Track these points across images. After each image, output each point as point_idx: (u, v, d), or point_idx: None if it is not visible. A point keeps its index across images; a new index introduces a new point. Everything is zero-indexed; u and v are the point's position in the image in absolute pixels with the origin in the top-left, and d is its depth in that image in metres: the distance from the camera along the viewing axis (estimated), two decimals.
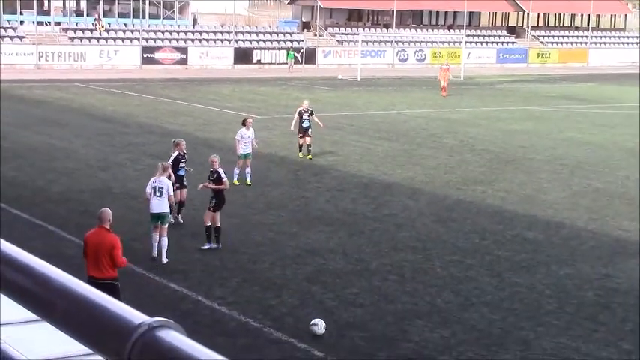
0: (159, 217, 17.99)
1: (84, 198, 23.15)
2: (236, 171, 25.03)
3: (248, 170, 25.17)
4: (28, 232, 19.33)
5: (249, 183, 25.02)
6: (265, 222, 21.44)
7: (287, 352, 13.71)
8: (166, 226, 18.06)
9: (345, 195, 24.57)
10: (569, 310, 15.91)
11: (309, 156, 29.25)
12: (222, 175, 18.90)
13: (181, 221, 20.72)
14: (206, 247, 18.75)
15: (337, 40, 74.79)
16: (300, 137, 29.35)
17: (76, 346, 1.63)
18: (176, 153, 21.00)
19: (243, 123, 25.68)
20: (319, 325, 13.74)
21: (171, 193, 18.30)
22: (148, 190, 18.02)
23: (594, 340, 14.54)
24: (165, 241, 17.87)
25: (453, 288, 16.94)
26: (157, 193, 17.88)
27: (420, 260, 18.67)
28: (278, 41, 71.70)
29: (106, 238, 13.60)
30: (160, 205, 17.92)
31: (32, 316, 1.71)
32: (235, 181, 24.80)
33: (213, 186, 18.90)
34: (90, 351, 1.58)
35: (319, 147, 31.57)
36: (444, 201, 24.23)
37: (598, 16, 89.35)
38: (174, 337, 1.43)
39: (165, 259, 17.78)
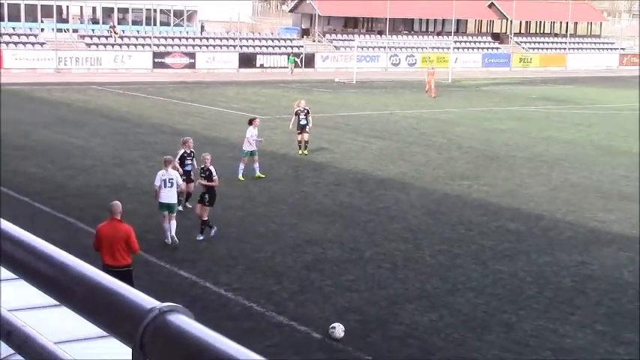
0: (168, 207, 18.18)
1: (100, 192, 23.14)
2: (241, 167, 25.09)
3: (257, 165, 25.32)
4: (49, 224, 19.34)
5: (261, 175, 25.28)
6: (267, 214, 21.45)
7: (288, 335, 13.74)
8: (174, 214, 18.24)
9: (342, 189, 24.58)
10: (547, 295, 15.94)
11: (306, 151, 29.44)
12: (214, 173, 18.86)
13: (189, 206, 20.82)
14: (200, 238, 18.80)
15: (334, 46, 74.73)
16: (299, 134, 29.59)
17: (92, 329, 1.65)
18: (182, 150, 21.16)
19: (251, 122, 25.66)
20: (337, 329, 13.46)
21: (180, 183, 18.50)
22: (157, 182, 18.11)
23: (571, 322, 14.57)
24: (174, 223, 18.19)
25: (441, 275, 16.97)
26: (168, 185, 18.04)
27: (411, 249, 18.70)
28: (279, 47, 71.66)
29: (120, 228, 13.69)
30: (169, 196, 18.11)
31: (53, 301, 1.73)
32: (240, 177, 24.84)
33: (205, 182, 18.87)
34: (105, 333, 1.60)
35: (317, 145, 31.58)
36: (432, 195, 24.24)
37: (576, 23, 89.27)
38: (184, 320, 1.45)
39: (175, 238, 18.06)
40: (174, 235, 18.12)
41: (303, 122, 29.32)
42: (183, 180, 19.93)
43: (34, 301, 1.97)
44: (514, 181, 26.42)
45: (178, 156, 20.94)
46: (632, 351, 13.44)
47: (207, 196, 18.76)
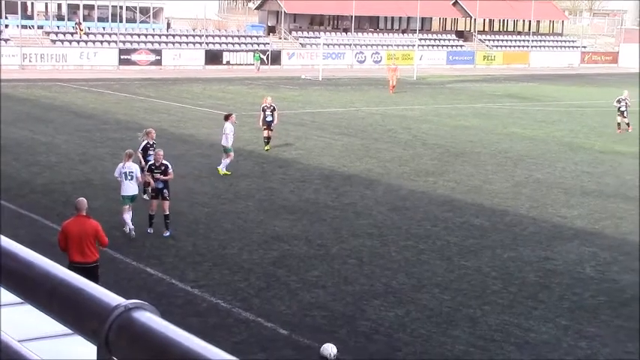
0: (131, 199, 18.61)
1: (66, 189, 22.96)
2: (226, 161, 25.50)
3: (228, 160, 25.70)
4: (14, 221, 19.14)
5: (227, 172, 25.49)
6: (234, 210, 21.40)
7: (255, 331, 13.72)
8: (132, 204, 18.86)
9: (308, 186, 24.58)
10: (512, 290, 16.04)
11: (268, 147, 29.59)
12: (169, 167, 19.02)
13: (146, 197, 20.82)
14: (150, 231, 18.97)
15: (300, 43, 74.67)
16: (264, 130, 29.65)
17: (58, 327, 1.63)
18: (145, 141, 21.49)
19: (227, 118, 25.73)
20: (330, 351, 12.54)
21: (139, 175, 18.67)
22: (117, 174, 18.58)
23: (535, 316, 14.67)
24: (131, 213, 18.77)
25: (406, 271, 17.02)
26: (129, 177, 18.36)
27: (377, 245, 18.74)
28: (246, 44, 71.47)
29: (88, 224, 13.59)
30: (131, 188, 18.50)
31: (16, 299, 1.70)
32: (227, 171, 25.42)
33: (163, 177, 18.86)
34: (70, 331, 1.57)
35: (284, 141, 31.56)
36: (398, 191, 24.31)
37: (538, 21, 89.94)
38: (149, 317, 1.43)
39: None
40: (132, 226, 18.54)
41: (269, 119, 29.36)
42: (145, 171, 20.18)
43: None
44: (479, 177, 26.57)
45: (141, 146, 21.36)
46: (595, 345, 13.57)
47: (165, 190, 18.87)
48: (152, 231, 18.87)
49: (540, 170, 28.10)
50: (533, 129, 38.17)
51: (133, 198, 18.67)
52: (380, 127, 37.30)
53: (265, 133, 29.68)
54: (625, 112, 37.79)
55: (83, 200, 14.01)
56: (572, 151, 32.09)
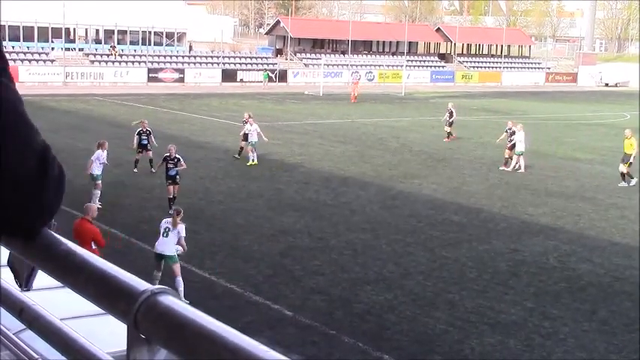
0: (97, 177, 20.57)
1: (101, 188, 22.93)
2: (250, 155, 27.49)
3: (254, 155, 27.49)
4: (56, 217, 19.09)
5: (255, 163, 27.35)
6: (246, 208, 21.41)
7: (263, 312, 13.72)
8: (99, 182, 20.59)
9: (310, 187, 24.59)
10: (486, 278, 16.05)
11: (238, 156, 28.19)
12: (181, 160, 20.48)
13: (154, 170, 23.75)
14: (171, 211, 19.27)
15: (304, 64, 74.69)
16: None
17: (92, 308, 1.64)
18: (139, 128, 25.32)
19: (245, 121, 28.15)
20: None
21: (107, 162, 21.02)
22: (94, 158, 20.64)
23: (505, 300, 14.68)
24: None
25: (395, 261, 17.02)
26: (101, 161, 20.69)
27: (370, 239, 18.74)
28: (257, 64, 71.47)
29: (87, 229, 13.30)
30: (99, 168, 20.57)
31: (58, 283, 1.71)
32: (250, 162, 27.31)
33: (180, 168, 20.35)
34: (103, 312, 1.58)
35: (289, 148, 31.57)
36: (388, 191, 24.32)
37: (509, 46, 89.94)
38: (171, 301, 1.44)
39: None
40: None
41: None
42: (139, 151, 25.04)
43: (42, 282, 1.95)
44: (457, 180, 26.56)
45: (136, 132, 25.50)
46: (557, 324, 13.57)
47: (178, 177, 20.32)
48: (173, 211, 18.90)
49: (510, 174, 28.09)
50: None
51: (98, 176, 20.53)
52: (372, 136, 37.29)
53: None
54: (450, 122, 35.96)
55: (92, 206, 13.89)
56: (538, 158, 32.07)
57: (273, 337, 12.37)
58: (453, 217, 21.23)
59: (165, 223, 14.14)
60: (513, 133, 29.27)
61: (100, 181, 20.74)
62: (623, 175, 26.62)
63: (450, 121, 36.18)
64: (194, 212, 19.39)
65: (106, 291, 1.54)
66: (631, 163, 26.50)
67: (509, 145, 29.18)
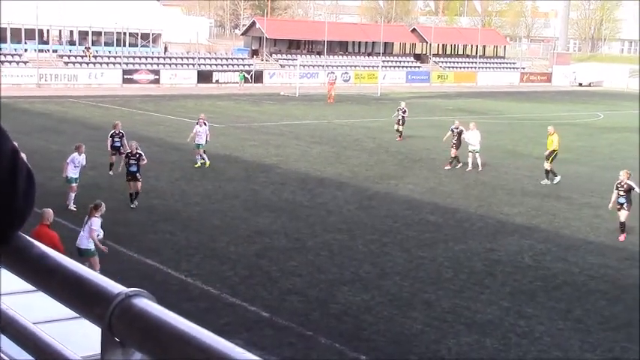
0: (76, 180, 20.73)
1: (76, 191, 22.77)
2: (198, 157, 27.14)
3: (204, 156, 27.13)
4: (29, 220, 18.92)
5: (207, 164, 26.97)
6: (222, 209, 21.35)
7: (240, 314, 13.69)
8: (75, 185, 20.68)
9: (286, 187, 24.57)
10: (462, 277, 16.11)
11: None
12: (143, 155, 20.91)
13: (111, 173, 24.43)
14: (133, 205, 20.74)
15: (280, 64, 74.62)
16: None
17: (66, 311, 1.62)
18: (112, 130, 25.49)
19: (198, 122, 27.71)
20: None
21: (84, 164, 21.04)
22: (69, 160, 20.65)
23: (481, 300, 14.75)
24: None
25: (372, 261, 17.05)
26: (76, 164, 20.72)
27: (346, 239, 18.76)
28: (233, 65, 71.30)
29: (46, 234, 12.84)
30: (75, 172, 20.72)
31: (31, 287, 1.69)
32: (197, 164, 26.87)
33: (140, 162, 20.81)
34: (77, 315, 1.57)
35: (265, 149, 31.52)
36: (365, 192, 24.35)
37: (484, 46, 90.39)
38: (147, 303, 1.44)
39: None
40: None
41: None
42: (113, 153, 24.95)
43: (15, 286, 1.94)
44: (434, 180, 26.66)
45: (110, 134, 25.39)
46: (532, 323, 13.67)
47: (138, 174, 20.75)
48: (135, 205, 20.61)
49: (486, 174, 28.24)
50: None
51: (75, 179, 20.66)
52: (349, 136, 37.34)
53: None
54: (402, 121, 36.20)
55: (49, 211, 13.58)
56: (514, 158, 32.29)
57: (249, 339, 12.34)
58: (429, 217, 21.30)
59: (86, 217, 14.52)
60: (460, 132, 29.37)
61: (75, 184, 20.65)
62: (547, 172, 26.86)
63: (399, 119, 36.24)
64: (170, 214, 19.32)
65: (79, 294, 1.53)
66: (554, 159, 26.80)
67: (454, 144, 29.21)
